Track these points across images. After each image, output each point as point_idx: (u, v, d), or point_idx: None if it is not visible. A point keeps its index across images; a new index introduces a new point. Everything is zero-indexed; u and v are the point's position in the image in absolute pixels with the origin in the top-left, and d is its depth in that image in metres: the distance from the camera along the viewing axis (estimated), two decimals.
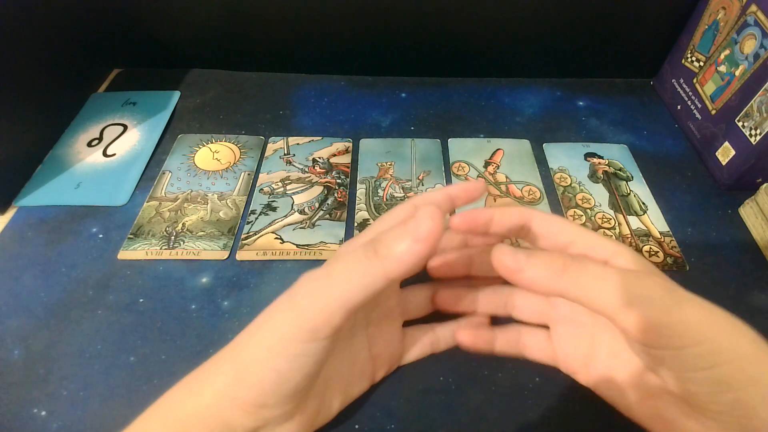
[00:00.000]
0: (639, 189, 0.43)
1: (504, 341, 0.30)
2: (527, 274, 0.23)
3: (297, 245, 0.38)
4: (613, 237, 0.39)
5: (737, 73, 0.41)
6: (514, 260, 0.23)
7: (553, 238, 0.26)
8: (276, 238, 0.38)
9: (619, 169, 0.45)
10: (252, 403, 0.22)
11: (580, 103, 0.52)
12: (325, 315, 0.22)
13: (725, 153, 0.43)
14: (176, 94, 0.52)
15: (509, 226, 0.26)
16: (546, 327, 0.30)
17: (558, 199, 0.42)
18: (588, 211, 0.41)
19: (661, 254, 0.38)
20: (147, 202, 0.41)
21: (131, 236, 0.38)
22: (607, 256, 0.24)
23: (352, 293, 0.22)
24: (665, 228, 0.40)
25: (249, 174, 0.44)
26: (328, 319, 0.22)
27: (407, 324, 0.31)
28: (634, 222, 0.40)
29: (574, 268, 0.22)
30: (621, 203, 0.42)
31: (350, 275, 0.22)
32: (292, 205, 0.41)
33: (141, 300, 0.34)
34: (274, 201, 0.41)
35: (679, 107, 0.49)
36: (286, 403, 0.23)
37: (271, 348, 0.22)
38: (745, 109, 0.40)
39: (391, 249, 0.22)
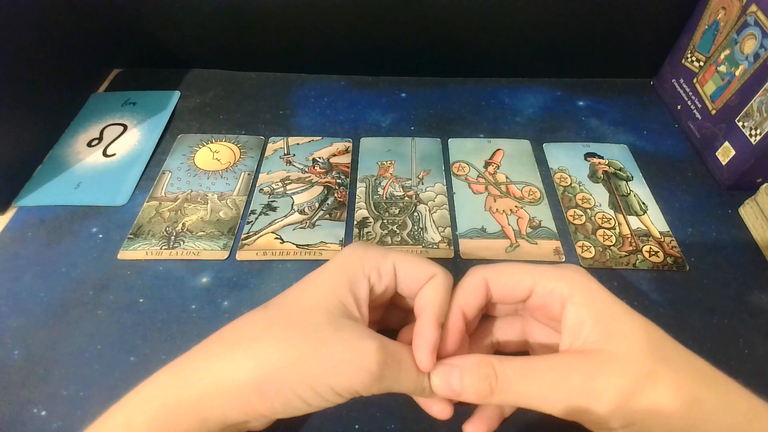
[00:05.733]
0: (639, 189, 0.43)
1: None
2: (465, 397, 0.24)
3: (297, 245, 0.38)
4: (613, 237, 0.39)
5: (737, 73, 0.41)
6: (450, 389, 0.24)
7: (513, 297, 0.27)
8: (276, 238, 0.38)
9: (619, 169, 0.45)
10: (262, 413, 0.23)
11: (580, 103, 0.52)
12: (370, 391, 0.23)
13: (725, 153, 0.43)
14: (176, 94, 0.52)
15: (478, 303, 0.27)
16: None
17: (558, 199, 0.42)
18: (588, 211, 0.41)
19: (661, 254, 0.38)
20: (147, 202, 0.41)
21: (131, 236, 0.38)
22: (565, 298, 0.25)
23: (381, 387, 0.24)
24: (665, 228, 0.40)
25: (249, 174, 0.43)
26: (370, 392, 0.23)
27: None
28: (634, 222, 0.40)
29: (498, 391, 0.23)
30: (621, 203, 0.42)
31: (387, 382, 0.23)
32: (292, 205, 0.41)
33: (141, 300, 0.34)
34: (274, 201, 0.41)
35: (679, 107, 0.49)
36: (293, 415, 0.23)
37: (310, 386, 0.22)
38: (745, 109, 0.40)
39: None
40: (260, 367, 0.22)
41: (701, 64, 0.46)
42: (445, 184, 0.43)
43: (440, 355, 0.26)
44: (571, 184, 0.43)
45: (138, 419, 0.22)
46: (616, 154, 0.46)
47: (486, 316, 0.30)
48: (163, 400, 0.23)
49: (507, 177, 0.44)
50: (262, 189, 0.42)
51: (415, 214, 0.40)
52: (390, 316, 0.30)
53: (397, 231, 0.39)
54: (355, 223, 0.40)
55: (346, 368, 0.22)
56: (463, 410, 0.29)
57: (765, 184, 0.39)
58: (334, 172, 0.44)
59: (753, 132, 0.40)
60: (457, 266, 0.37)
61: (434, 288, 0.26)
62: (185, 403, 0.22)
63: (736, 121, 0.41)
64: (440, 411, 0.26)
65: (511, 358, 0.24)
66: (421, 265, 0.27)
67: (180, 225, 0.39)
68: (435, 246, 0.38)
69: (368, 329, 0.24)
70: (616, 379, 0.22)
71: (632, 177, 0.44)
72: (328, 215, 0.40)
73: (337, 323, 0.23)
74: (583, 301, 0.24)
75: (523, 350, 0.30)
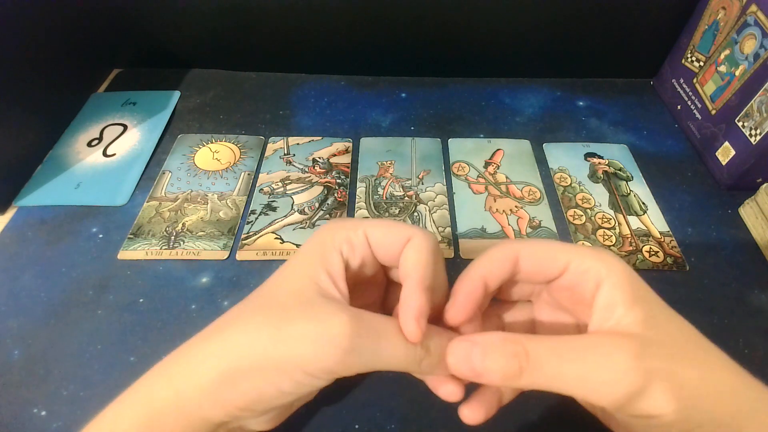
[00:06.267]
0: (639, 189, 0.43)
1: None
2: (487, 378, 0.21)
3: (297, 245, 0.38)
4: (613, 237, 0.39)
5: (737, 73, 0.41)
6: (470, 367, 0.22)
7: (545, 274, 0.25)
8: (276, 238, 0.38)
9: (619, 169, 0.45)
10: (239, 407, 0.22)
11: (580, 103, 0.52)
12: (348, 369, 0.21)
13: (725, 153, 0.43)
14: (176, 94, 0.52)
15: (503, 275, 0.25)
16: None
17: (558, 199, 0.42)
18: (588, 211, 0.41)
19: (661, 254, 0.38)
20: (147, 202, 0.41)
21: (131, 236, 0.38)
22: (601, 279, 0.23)
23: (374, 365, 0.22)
24: (665, 228, 0.40)
25: (249, 174, 0.43)
26: (349, 370, 0.21)
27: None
28: (634, 222, 0.40)
29: (529, 372, 0.21)
30: (621, 203, 0.42)
31: (378, 353, 0.22)
32: (292, 205, 0.41)
33: (141, 300, 0.34)
34: (274, 201, 0.41)
35: (679, 107, 0.49)
36: (273, 411, 0.23)
37: (279, 368, 0.21)
38: (745, 109, 0.40)
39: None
40: (228, 355, 0.21)
41: (701, 64, 0.46)
42: (445, 184, 0.43)
43: (449, 326, 0.24)
44: (571, 184, 0.43)
45: (122, 424, 0.22)
46: (616, 154, 0.46)
47: (493, 300, 0.28)
48: (147, 401, 0.22)
49: (507, 177, 0.44)
50: (262, 189, 0.42)
51: (415, 214, 0.40)
52: (394, 298, 0.28)
53: None
54: None
55: (313, 344, 0.21)
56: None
57: (765, 184, 0.39)
58: (334, 172, 0.44)
59: (753, 132, 0.40)
60: (457, 266, 0.37)
61: (414, 250, 0.24)
62: (168, 403, 0.22)
63: (736, 121, 0.41)
64: (450, 393, 0.24)
65: (539, 336, 0.22)
66: (394, 228, 0.25)
67: (180, 225, 0.39)
68: None
69: (344, 305, 0.23)
70: (668, 363, 0.20)
71: (632, 177, 0.44)
72: (328, 215, 0.40)
73: (308, 301, 0.22)
74: (620, 283, 0.22)
75: None
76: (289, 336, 0.21)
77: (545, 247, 0.25)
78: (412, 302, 0.22)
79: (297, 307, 0.22)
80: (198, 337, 0.24)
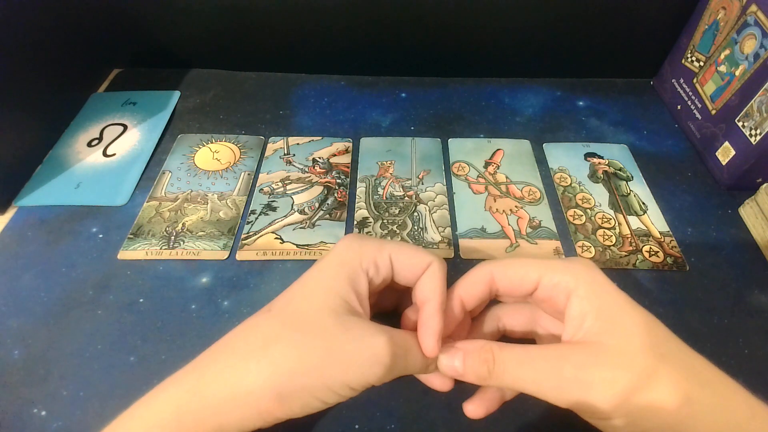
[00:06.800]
0: (639, 189, 0.43)
1: None
2: (466, 378, 0.25)
3: (297, 245, 0.38)
4: (613, 237, 0.39)
5: (737, 73, 0.41)
6: (453, 368, 0.26)
7: (519, 290, 0.27)
8: (276, 238, 0.38)
9: (619, 169, 0.45)
10: (279, 416, 0.23)
11: (580, 103, 0.52)
12: (383, 381, 0.24)
13: (725, 153, 0.43)
14: (176, 94, 0.52)
15: (479, 296, 0.28)
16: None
17: (558, 199, 0.42)
18: (588, 211, 0.41)
19: (661, 254, 0.38)
20: (147, 202, 0.41)
21: (131, 236, 0.38)
22: (570, 291, 0.25)
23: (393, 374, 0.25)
24: (665, 228, 0.40)
25: (249, 174, 0.43)
26: (383, 382, 0.24)
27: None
28: (634, 222, 0.40)
29: (496, 375, 0.24)
30: (621, 203, 0.42)
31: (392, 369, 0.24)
32: (292, 205, 0.41)
33: (141, 300, 0.34)
34: (274, 201, 0.41)
35: (679, 107, 0.49)
36: (309, 414, 0.24)
37: (328, 386, 0.23)
38: (745, 109, 0.40)
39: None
40: (277, 375, 0.23)
41: (701, 64, 0.46)
42: (445, 184, 0.43)
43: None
44: (571, 184, 0.43)
45: (151, 424, 0.23)
46: (616, 154, 0.46)
47: (495, 301, 0.30)
48: (175, 415, 0.23)
49: (507, 177, 0.44)
50: (262, 189, 0.42)
51: (415, 214, 0.40)
52: (383, 299, 0.31)
53: (397, 231, 0.39)
54: (355, 223, 0.40)
55: (361, 365, 0.23)
56: (463, 411, 0.29)
57: (765, 184, 0.39)
58: (334, 172, 0.44)
59: (753, 132, 0.40)
60: (457, 266, 0.37)
61: (432, 278, 0.27)
62: (200, 417, 0.23)
63: (736, 121, 0.41)
64: (442, 384, 0.28)
65: (512, 345, 0.25)
66: (417, 255, 0.27)
67: (180, 225, 0.39)
68: (435, 246, 0.38)
69: (374, 323, 0.25)
70: (611, 372, 0.22)
71: (632, 177, 0.44)
72: (328, 215, 0.40)
73: (345, 322, 0.24)
74: (587, 293, 0.25)
75: (529, 338, 0.30)
76: (341, 359, 0.23)
77: (517, 266, 0.27)
78: (432, 324, 0.26)
79: (337, 327, 0.24)
80: (227, 351, 0.25)
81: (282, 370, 0.23)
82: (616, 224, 0.40)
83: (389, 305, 0.32)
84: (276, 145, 0.46)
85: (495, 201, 0.42)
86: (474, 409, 0.28)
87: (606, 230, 0.40)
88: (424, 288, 0.27)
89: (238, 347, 0.24)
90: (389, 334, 0.24)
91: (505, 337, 0.31)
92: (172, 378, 0.24)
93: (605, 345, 0.23)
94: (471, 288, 0.28)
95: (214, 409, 0.23)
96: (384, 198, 0.42)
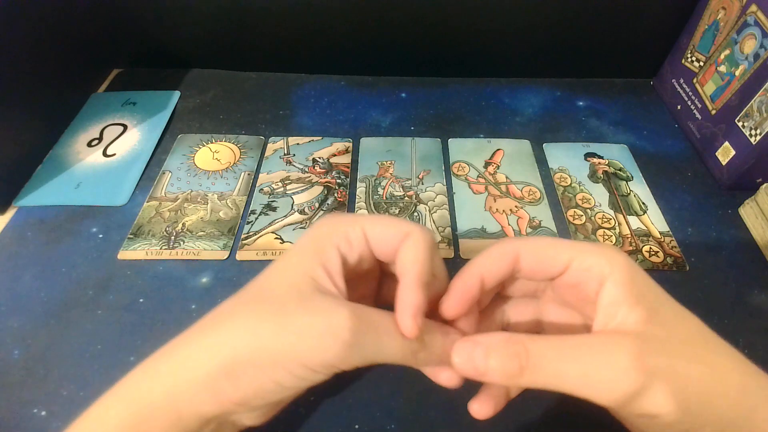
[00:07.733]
0: (639, 189, 0.43)
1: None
2: (490, 377, 0.22)
3: None
4: (613, 237, 0.39)
5: (737, 73, 0.41)
6: (473, 367, 0.22)
7: (546, 272, 0.24)
8: (276, 238, 0.38)
9: (619, 169, 0.45)
10: (236, 401, 0.22)
11: (580, 103, 0.52)
12: (348, 363, 0.22)
13: (725, 153, 0.43)
14: (176, 94, 0.52)
15: (502, 273, 0.25)
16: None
17: (558, 199, 0.42)
18: (588, 211, 0.41)
19: (661, 254, 0.38)
20: (147, 202, 0.41)
21: (131, 236, 0.38)
22: (604, 277, 0.23)
23: (374, 358, 0.22)
24: (665, 228, 0.40)
25: (249, 174, 0.43)
26: (349, 364, 0.22)
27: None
28: (634, 222, 0.40)
29: (530, 371, 0.21)
30: (621, 203, 0.42)
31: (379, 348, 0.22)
32: (292, 205, 0.41)
33: (141, 300, 0.34)
34: (274, 201, 0.41)
35: (679, 107, 0.49)
36: (269, 406, 0.23)
37: (279, 362, 0.21)
38: (745, 109, 0.40)
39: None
40: (226, 349, 0.21)
41: (701, 64, 0.46)
42: (445, 184, 0.43)
43: (444, 321, 0.25)
44: (571, 184, 0.43)
45: (109, 421, 0.21)
46: (616, 154, 0.46)
47: (497, 295, 0.28)
48: (134, 399, 0.22)
49: (507, 177, 0.44)
50: (262, 189, 0.42)
51: (415, 214, 0.40)
52: (388, 290, 0.28)
53: None
54: None
55: (316, 340, 0.21)
56: (463, 411, 0.29)
57: (765, 184, 0.39)
58: (334, 172, 0.44)
59: (753, 132, 0.40)
60: (457, 266, 0.37)
61: (412, 246, 0.24)
62: (157, 399, 0.21)
63: (736, 121, 0.41)
64: (448, 379, 0.25)
65: (542, 336, 0.22)
66: (392, 224, 0.25)
67: (180, 225, 0.39)
68: None
69: (343, 300, 0.23)
70: (667, 360, 0.20)
71: (632, 177, 0.44)
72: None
73: (306, 298, 0.22)
74: (623, 280, 0.22)
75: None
76: (290, 330, 0.21)
77: (547, 245, 0.24)
78: (408, 299, 0.23)
79: (295, 301, 0.22)
80: (190, 331, 0.23)
81: (231, 344, 0.21)
82: (616, 224, 0.40)
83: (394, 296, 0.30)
84: (276, 145, 0.46)
85: (495, 201, 0.42)
86: (480, 408, 0.25)
87: (606, 230, 0.40)
88: (402, 259, 0.24)
89: (194, 327, 0.23)
90: (354, 309, 0.22)
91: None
92: (135, 368, 0.23)
93: (650, 334, 0.21)
94: (493, 265, 0.24)
95: (168, 391, 0.21)
96: (384, 198, 0.42)
